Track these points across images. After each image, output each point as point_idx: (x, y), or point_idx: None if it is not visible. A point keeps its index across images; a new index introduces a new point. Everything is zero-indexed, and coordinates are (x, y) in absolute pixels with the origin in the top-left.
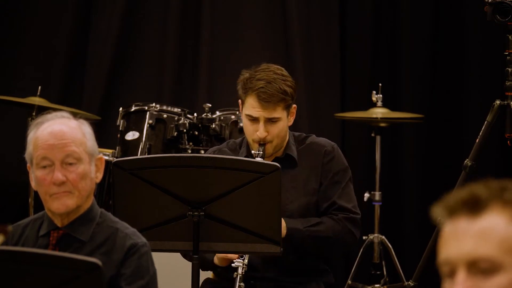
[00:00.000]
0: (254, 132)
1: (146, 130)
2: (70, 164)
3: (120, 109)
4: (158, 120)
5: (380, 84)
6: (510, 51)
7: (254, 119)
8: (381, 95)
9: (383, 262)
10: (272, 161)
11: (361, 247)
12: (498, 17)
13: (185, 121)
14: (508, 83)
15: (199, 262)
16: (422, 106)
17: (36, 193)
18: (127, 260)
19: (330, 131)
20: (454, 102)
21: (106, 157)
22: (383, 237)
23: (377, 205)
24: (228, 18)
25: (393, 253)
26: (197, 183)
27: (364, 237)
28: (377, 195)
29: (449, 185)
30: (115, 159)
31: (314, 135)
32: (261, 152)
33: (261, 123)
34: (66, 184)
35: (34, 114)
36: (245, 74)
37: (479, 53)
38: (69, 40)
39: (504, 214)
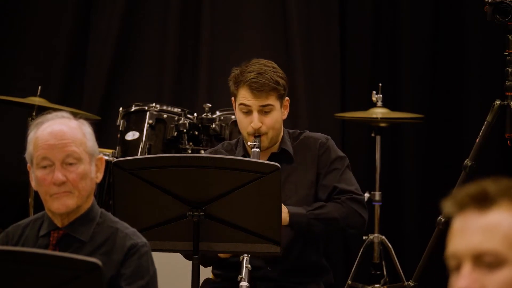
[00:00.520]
0: (248, 124)
1: (146, 130)
2: (70, 164)
3: (120, 109)
4: (158, 120)
5: (380, 84)
6: (510, 51)
7: (247, 112)
8: (381, 95)
9: (383, 262)
10: (268, 157)
11: (361, 247)
12: (498, 17)
13: (185, 121)
14: (508, 83)
15: (199, 262)
16: (422, 106)
17: (36, 193)
18: (127, 260)
19: (330, 131)
20: (454, 102)
21: (106, 157)
22: (383, 237)
23: (377, 205)
24: (228, 18)
25: (393, 253)
26: (197, 183)
27: (364, 237)
28: (377, 195)
29: (449, 185)
30: (115, 159)
31: (308, 131)
32: (257, 143)
33: (255, 113)
34: (66, 184)
35: (34, 114)
36: (236, 70)
37: (479, 53)
38: (69, 40)
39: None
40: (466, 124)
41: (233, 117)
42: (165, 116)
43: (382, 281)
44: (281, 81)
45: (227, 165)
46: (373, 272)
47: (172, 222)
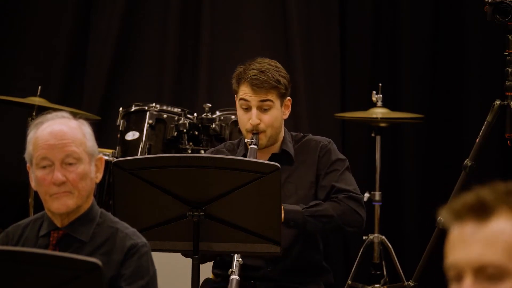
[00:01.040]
0: (247, 121)
1: (146, 130)
2: (70, 164)
3: (120, 109)
4: (158, 120)
5: (380, 84)
6: (510, 51)
7: (247, 108)
8: (381, 95)
9: (383, 262)
10: (269, 157)
11: (361, 247)
12: (498, 17)
13: (185, 121)
14: (508, 83)
15: (199, 262)
16: (422, 106)
17: (36, 193)
18: (127, 260)
19: (330, 131)
20: (454, 102)
21: (106, 157)
22: (383, 237)
23: (377, 205)
24: (228, 18)
25: (393, 253)
26: (197, 183)
27: (364, 237)
28: (377, 195)
29: (449, 185)
30: (115, 159)
31: (310, 134)
32: (254, 140)
33: (254, 110)
34: (66, 184)
35: (34, 114)
36: (240, 68)
37: (479, 53)
38: (69, 40)
39: (511, 218)
40: (466, 124)
41: (233, 117)
42: (165, 116)
43: (382, 281)
44: (283, 80)
45: (227, 165)
46: (373, 272)
47: (172, 222)
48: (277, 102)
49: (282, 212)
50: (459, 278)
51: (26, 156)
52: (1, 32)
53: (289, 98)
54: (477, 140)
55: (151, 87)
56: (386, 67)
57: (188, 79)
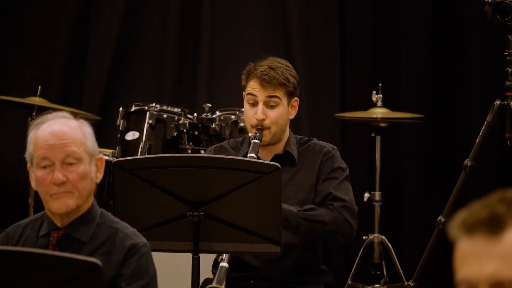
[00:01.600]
0: (253, 116)
1: (146, 130)
2: (70, 164)
3: (120, 109)
4: (158, 120)
5: (380, 84)
6: (510, 51)
7: (253, 104)
8: (381, 95)
9: (383, 262)
10: (271, 158)
11: (361, 247)
12: (498, 17)
13: (185, 121)
14: (508, 83)
15: (199, 262)
16: (422, 106)
17: (36, 193)
18: (127, 260)
19: (330, 131)
20: (454, 102)
21: (106, 157)
22: (383, 237)
23: (377, 205)
24: (228, 18)
25: (393, 253)
26: (197, 183)
27: (364, 237)
28: (377, 195)
29: (449, 185)
30: (115, 159)
31: (316, 139)
32: (257, 135)
33: (260, 105)
34: (66, 184)
35: (34, 114)
36: (250, 65)
37: (479, 53)
38: (69, 40)
39: None
40: (466, 124)
41: (233, 117)
42: (165, 116)
43: (382, 281)
44: (292, 79)
45: (227, 165)
46: (373, 272)
47: (172, 222)
48: (284, 100)
49: None
50: None
51: (27, 156)
52: (1, 32)
53: (296, 99)
54: (477, 140)
55: (151, 87)
56: (386, 67)
57: (188, 79)
